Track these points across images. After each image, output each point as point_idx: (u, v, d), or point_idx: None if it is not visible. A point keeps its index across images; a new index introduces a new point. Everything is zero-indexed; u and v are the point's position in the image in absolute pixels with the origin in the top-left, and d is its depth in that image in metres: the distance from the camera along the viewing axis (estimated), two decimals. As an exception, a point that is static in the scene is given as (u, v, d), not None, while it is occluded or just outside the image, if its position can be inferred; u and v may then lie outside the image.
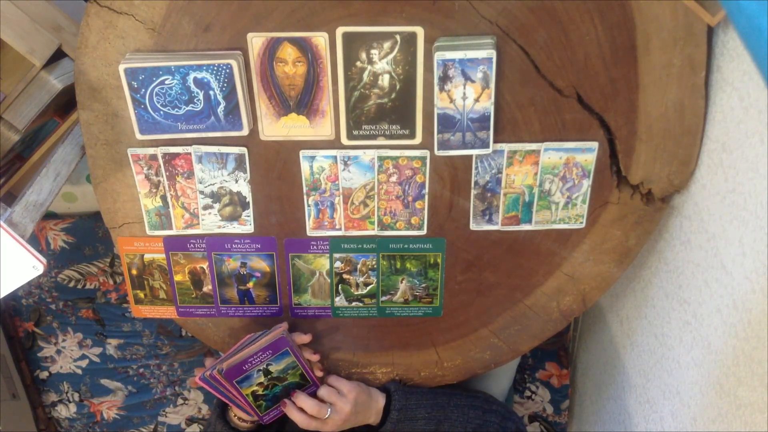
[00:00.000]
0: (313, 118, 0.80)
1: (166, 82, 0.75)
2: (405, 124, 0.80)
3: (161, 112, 0.78)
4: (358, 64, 0.76)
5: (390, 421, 0.94)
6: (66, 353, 1.42)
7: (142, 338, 1.40)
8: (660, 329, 0.91)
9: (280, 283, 0.93)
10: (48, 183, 0.82)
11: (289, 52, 0.76)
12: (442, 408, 0.97)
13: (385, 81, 0.77)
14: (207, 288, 0.93)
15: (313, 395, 0.93)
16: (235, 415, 0.97)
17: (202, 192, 0.86)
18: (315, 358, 0.94)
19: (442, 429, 0.96)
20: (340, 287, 0.93)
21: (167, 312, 0.96)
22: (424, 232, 0.88)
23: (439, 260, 0.90)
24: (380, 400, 0.96)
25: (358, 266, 0.91)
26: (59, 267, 1.31)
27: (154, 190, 0.86)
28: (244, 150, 0.82)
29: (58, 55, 0.84)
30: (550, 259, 0.89)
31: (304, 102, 0.79)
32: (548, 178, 0.83)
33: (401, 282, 0.92)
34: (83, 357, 1.43)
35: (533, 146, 0.81)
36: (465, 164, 0.83)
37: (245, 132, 0.79)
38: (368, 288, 0.93)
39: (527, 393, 1.38)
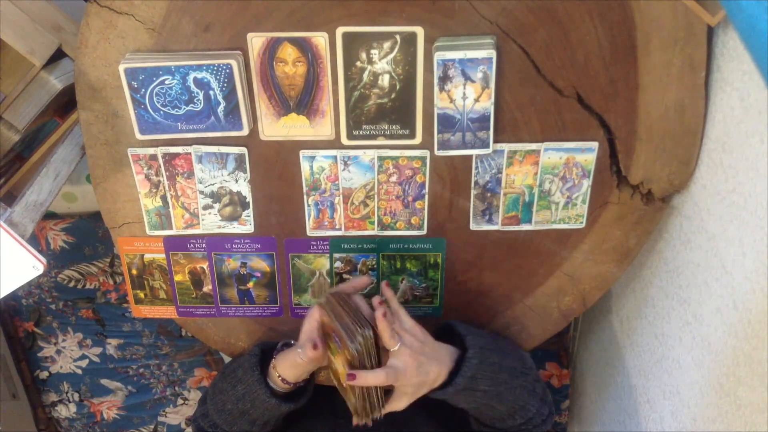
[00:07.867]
0: (313, 118, 0.80)
1: (166, 82, 0.75)
2: (405, 124, 0.80)
3: (161, 112, 0.78)
4: (358, 64, 0.76)
5: (454, 386, 0.79)
6: (66, 353, 1.42)
7: (142, 338, 1.40)
8: (660, 329, 0.91)
9: (280, 283, 0.93)
10: (48, 183, 0.82)
11: (289, 52, 0.76)
12: (500, 384, 0.83)
13: (385, 81, 0.77)
14: (207, 288, 0.93)
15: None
16: (279, 376, 0.84)
17: (202, 192, 0.86)
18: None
19: (490, 403, 0.83)
20: (340, 287, 0.93)
21: (167, 312, 0.96)
22: (424, 232, 0.88)
23: (439, 260, 0.90)
24: (448, 351, 0.81)
25: (358, 266, 0.91)
26: (59, 267, 1.32)
27: (154, 190, 0.86)
28: (244, 150, 0.82)
29: (58, 55, 0.84)
30: (550, 259, 0.89)
31: (304, 102, 0.79)
32: (548, 178, 0.83)
33: (401, 282, 0.92)
34: (83, 357, 1.43)
35: (533, 146, 0.81)
36: (465, 164, 0.83)
37: (245, 132, 0.79)
38: (368, 288, 0.92)
39: (527, 393, 1.39)
